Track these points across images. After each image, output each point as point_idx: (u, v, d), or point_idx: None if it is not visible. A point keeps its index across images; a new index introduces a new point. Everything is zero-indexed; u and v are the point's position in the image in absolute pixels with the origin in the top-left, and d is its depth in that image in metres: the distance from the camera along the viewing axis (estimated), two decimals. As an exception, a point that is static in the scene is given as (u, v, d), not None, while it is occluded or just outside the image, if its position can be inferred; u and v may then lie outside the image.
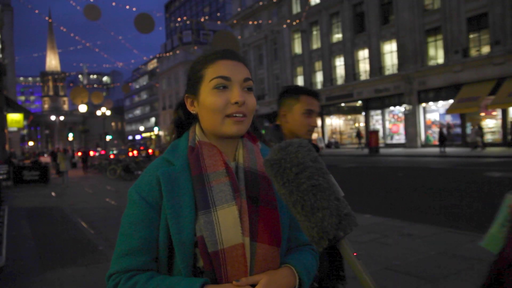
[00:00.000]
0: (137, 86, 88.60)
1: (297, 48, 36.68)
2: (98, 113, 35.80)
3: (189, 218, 0.95)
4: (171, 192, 0.96)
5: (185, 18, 69.17)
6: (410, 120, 26.38)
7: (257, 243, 0.95)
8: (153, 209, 0.97)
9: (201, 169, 0.98)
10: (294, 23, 35.05)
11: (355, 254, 0.76)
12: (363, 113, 30.73)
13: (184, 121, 1.13)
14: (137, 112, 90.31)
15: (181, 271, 0.94)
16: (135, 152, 31.41)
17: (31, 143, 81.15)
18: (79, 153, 32.50)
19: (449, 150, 22.51)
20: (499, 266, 0.74)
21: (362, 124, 32.09)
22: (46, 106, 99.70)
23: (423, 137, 26.46)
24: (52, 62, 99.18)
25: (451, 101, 23.55)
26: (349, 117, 34.29)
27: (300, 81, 36.42)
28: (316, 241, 0.76)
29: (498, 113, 22.20)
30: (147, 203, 0.98)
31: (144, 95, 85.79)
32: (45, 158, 43.03)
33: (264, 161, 0.84)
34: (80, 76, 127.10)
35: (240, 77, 1.01)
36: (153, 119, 77.14)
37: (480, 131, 21.57)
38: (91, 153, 34.70)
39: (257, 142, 1.11)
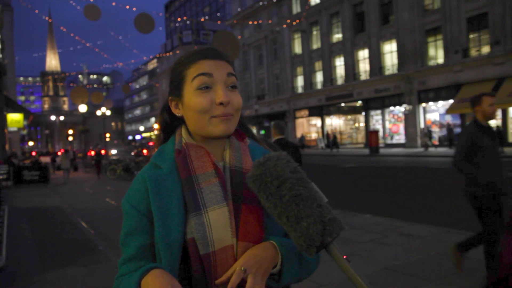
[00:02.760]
0: (137, 86, 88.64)
1: (297, 48, 36.68)
2: (98, 113, 35.80)
3: (176, 220, 0.93)
4: (157, 194, 0.96)
5: (185, 18, 69.17)
6: (410, 120, 26.38)
7: (238, 242, 0.94)
8: (146, 217, 0.97)
9: (189, 171, 0.97)
10: (294, 23, 35.05)
11: (344, 257, 0.77)
12: (363, 113, 30.74)
13: (169, 124, 1.12)
14: (137, 112, 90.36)
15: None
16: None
17: (31, 143, 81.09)
18: (92, 153, 31.19)
19: (449, 150, 22.54)
20: (503, 273, 0.73)
21: (362, 124, 32.10)
22: (46, 106, 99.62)
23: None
24: (52, 62, 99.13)
25: (451, 101, 23.55)
26: (349, 117, 34.30)
27: (300, 81, 36.42)
28: (304, 249, 0.78)
29: (498, 113, 22.20)
30: (138, 212, 0.98)
31: (144, 95, 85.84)
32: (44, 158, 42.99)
33: (246, 178, 0.84)
34: (80, 76, 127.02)
35: (223, 73, 1.00)
36: (153, 119, 77.17)
37: (428, 133, 24.18)
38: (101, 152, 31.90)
39: (245, 138, 1.10)
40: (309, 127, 37.32)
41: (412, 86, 26.02)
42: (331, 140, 30.30)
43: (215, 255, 0.92)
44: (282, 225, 0.80)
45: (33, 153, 39.15)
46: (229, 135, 1.02)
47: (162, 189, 0.96)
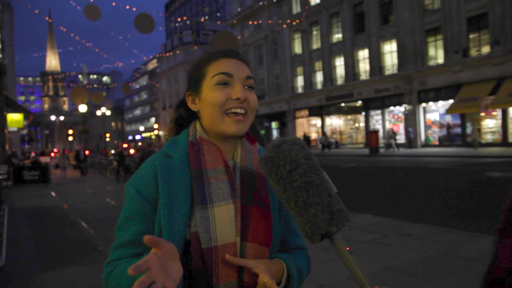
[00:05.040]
0: (137, 86, 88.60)
1: (297, 48, 36.68)
2: (98, 113, 35.78)
3: (182, 212, 0.94)
4: (166, 183, 0.96)
5: (185, 18, 69.17)
6: (410, 120, 26.39)
7: (248, 243, 0.95)
8: (149, 203, 0.97)
9: (200, 164, 0.98)
10: (294, 23, 35.04)
11: (347, 248, 0.77)
12: (363, 113, 30.74)
13: (184, 119, 1.13)
14: (137, 112, 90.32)
15: None
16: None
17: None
18: (112, 152, 30.02)
19: (449, 150, 22.57)
20: (495, 277, 0.73)
21: (362, 124, 32.09)
22: (46, 106, 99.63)
23: (423, 137, 26.48)
24: (52, 62, 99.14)
25: (451, 101, 23.55)
26: (349, 117, 34.29)
27: (300, 81, 36.42)
28: (309, 236, 0.78)
29: (498, 113, 22.21)
30: (143, 197, 0.97)
31: (144, 95, 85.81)
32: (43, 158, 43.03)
33: (259, 159, 0.85)
34: (80, 76, 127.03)
35: (242, 74, 1.02)
36: (153, 119, 77.14)
37: (393, 135, 25.89)
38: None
39: (255, 143, 1.11)
40: (309, 127, 37.32)
41: (412, 86, 26.02)
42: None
43: (217, 250, 0.93)
44: (289, 210, 0.81)
45: (33, 153, 39.27)
46: (241, 135, 1.04)
47: (171, 178, 0.97)
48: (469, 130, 23.62)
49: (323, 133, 31.33)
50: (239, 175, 1.01)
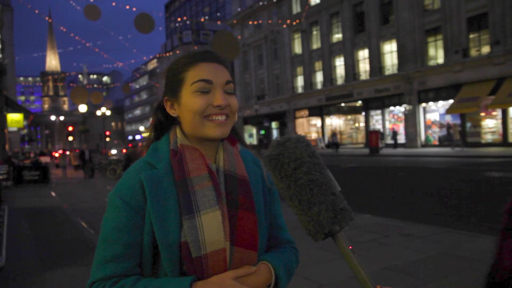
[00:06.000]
0: (137, 86, 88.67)
1: (297, 48, 36.68)
2: (98, 113, 35.78)
3: (175, 222, 0.93)
4: (155, 196, 0.94)
5: (185, 18, 69.18)
6: (410, 120, 26.39)
7: (235, 247, 0.95)
8: (137, 213, 0.95)
9: (184, 173, 0.97)
10: (294, 23, 35.05)
11: (350, 247, 0.77)
12: (363, 113, 30.75)
13: (163, 124, 1.11)
14: (137, 112, 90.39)
15: (168, 274, 0.93)
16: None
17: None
18: (111, 152, 30.51)
19: (449, 150, 22.58)
20: (498, 277, 0.72)
21: (362, 124, 32.10)
22: (46, 106, 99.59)
23: (423, 137, 26.48)
24: (52, 62, 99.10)
25: (451, 101, 23.55)
26: (349, 117, 34.30)
27: (300, 81, 36.42)
28: (312, 234, 0.78)
29: (498, 113, 22.21)
30: (130, 207, 0.95)
31: (144, 95, 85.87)
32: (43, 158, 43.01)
33: (263, 157, 0.85)
34: (80, 76, 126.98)
35: (222, 80, 1.00)
36: (153, 119, 77.10)
37: (381, 135, 26.06)
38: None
39: (236, 144, 1.10)
40: (309, 127, 37.33)
41: (412, 86, 26.02)
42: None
43: (207, 258, 0.93)
44: (292, 208, 0.81)
45: (31, 154, 39.42)
46: (224, 138, 1.03)
47: (159, 190, 0.95)
48: (470, 129, 23.64)
49: (333, 134, 31.41)
50: (223, 179, 1.01)
